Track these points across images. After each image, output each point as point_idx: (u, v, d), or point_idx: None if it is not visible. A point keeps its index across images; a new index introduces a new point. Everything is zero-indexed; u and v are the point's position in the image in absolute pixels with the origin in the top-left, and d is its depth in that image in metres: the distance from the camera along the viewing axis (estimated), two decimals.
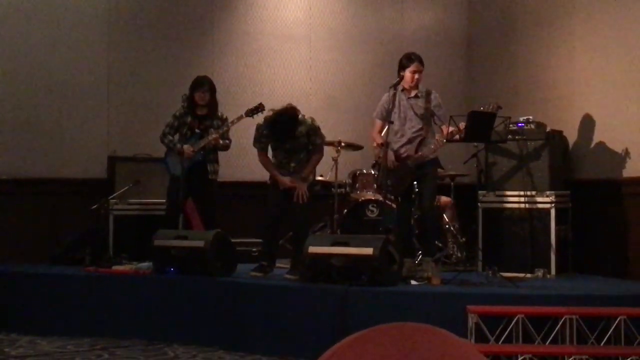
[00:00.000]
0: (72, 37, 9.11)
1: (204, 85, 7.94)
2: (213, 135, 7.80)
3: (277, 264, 7.54)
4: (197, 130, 7.95)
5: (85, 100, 9.14)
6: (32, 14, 8.98)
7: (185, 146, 7.87)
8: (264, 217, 7.60)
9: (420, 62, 7.32)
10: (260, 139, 7.49)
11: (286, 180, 7.40)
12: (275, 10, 9.86)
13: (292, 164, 7.49)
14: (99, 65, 9.21)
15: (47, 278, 7.56)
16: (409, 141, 7.33)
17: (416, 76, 7.30)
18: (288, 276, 7.13)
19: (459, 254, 8.28)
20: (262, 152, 7.57)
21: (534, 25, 8.83)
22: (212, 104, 7.99)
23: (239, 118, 7.90)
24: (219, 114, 8.05)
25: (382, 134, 7.39)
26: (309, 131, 7.43)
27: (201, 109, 7.99)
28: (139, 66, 9.35)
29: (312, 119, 7.48)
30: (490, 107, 7.17)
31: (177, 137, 8.02)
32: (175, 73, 9.27)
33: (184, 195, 7.89)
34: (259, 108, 7.88)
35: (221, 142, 7.91)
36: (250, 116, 7.90)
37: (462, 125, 7.03)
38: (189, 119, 7.99)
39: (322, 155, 7.64)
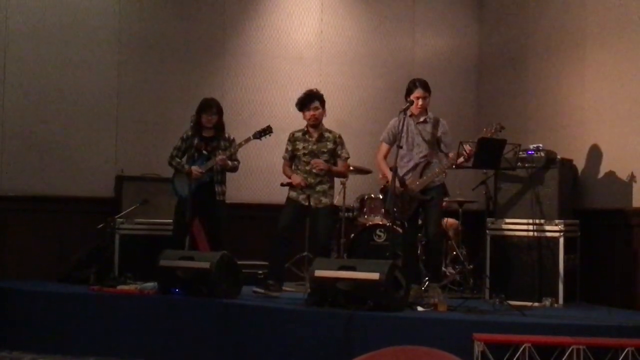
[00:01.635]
0: (83, 56, 9.18)
1: (211, 107, 7.97)
2: (220, 157, 7.82)
3: (284, 287, 7.54)
4: (204, 152, 7.96)
5: (94, 119, 9.19)
6: (43, 33, 9.07)
7: (193, 167, 7.88)
8: (274, 237, 7.63)
9: (425, 88, 7.34)
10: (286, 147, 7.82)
11: (297, 177, 7.61)
12: (287, 33, 9.91)
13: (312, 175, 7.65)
14: (109, 84, 9.27)
15: (53, 296, 7.55)
16: (416, 166, 7.34)
17: (420, 102, 7.31)
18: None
19: (466, 281, 8.25)
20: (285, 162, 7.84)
21: (545, 53, 8.84)
22: (219, 126, 8.02)
23: (247, 140, 7.92)
24: (226, 135, 8.08)
25: (387, 159, 7.43)
26: (336, 140, 7.72)
27: (208, 130, 8.01)
28: (148, 86, 9.40)
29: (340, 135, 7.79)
30: (493, 128, 7.17)
31: (185, 159, 8.04)
32: (185, 93, 9.31)
33: (191, 216, 7.89)
34: (267, 130, 7.92)
35: (230, 163, 7.93)
36: (258, 138, 7.94)
37: (468, 147, 7.02)
38: (195, 141, 8.01)
39: (346, 171, 7.90)
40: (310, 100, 7.68)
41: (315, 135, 7.71)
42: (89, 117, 9.16)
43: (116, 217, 8.45)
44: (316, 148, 7.68)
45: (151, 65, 9.44)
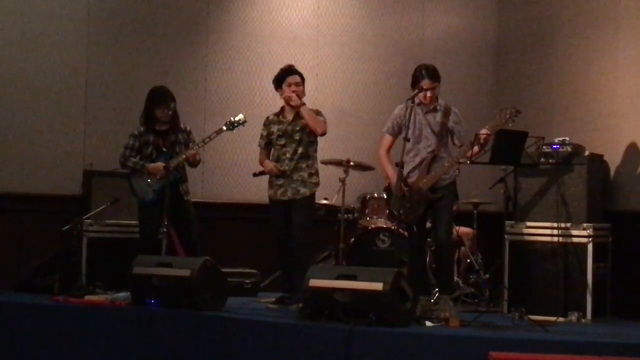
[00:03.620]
0: (46, 33, 9.16)
1: (166, 100, 7.96)
2: (191, 151, 7.82)
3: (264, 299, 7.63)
4: (164, 149, 7.96)
5: (60, 106, 9.18)
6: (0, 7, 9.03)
7: (156, 164, 7.89)
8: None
9: (433, 77, 7.30)
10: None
11: (269, 163, 7.67)
12: (279, 10, 9.91)
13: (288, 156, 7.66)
14: (76, 67, 9.25)
15: (10, 307, 7.53)
16: (422, 162, 7.33)
17: (428, 94, 7.29)
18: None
19: (482, 292, 8.27)
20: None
21: (572, 34, 8.85)
22: (174, 117, 8.02)
23: (219, 131, 7.92)
24: (182, 126, 8.08)
25: (390, 153, 7.46)
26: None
27: (161, 124, 8.01)
28: (121, 70, 9.39)
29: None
30: (507, 113, 7.15)
31: (138, 158, 8.03)
32: (163, 78, 9.27)
33: (157, 221, 7.91)
34: (240, 121, 7.93)
35: (197, 157, 7.95)
36: (230, 129, 7.95)
37: (483, 133, 7.01)
38: (151, 137, 8.02)
39: (323, 128, 7.74)
40: (288, 74, 7.68)
41: (291, 115, 7.70)
42: (53, 104, 9.16)
43: (84, 217, 8.44)
44: (291, 128, 7.66)
45: (124, 45, 9.42)
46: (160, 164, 7.87)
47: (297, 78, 7.69)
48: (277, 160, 7.69)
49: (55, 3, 9.22)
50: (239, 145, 9.38)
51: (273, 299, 7.70)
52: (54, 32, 9.18)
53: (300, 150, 7.65)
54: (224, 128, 7.95)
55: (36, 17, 9.14)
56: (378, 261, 8.07)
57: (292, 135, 7.64)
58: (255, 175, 7.95)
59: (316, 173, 7.74)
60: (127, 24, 9.44)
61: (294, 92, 7.61)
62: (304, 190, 7.63)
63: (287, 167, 7.62)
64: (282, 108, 7.79)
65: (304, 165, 7.66)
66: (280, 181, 7.64)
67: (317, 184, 7.75)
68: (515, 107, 7.21)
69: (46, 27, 9.16)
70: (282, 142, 7.67)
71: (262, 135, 7.83)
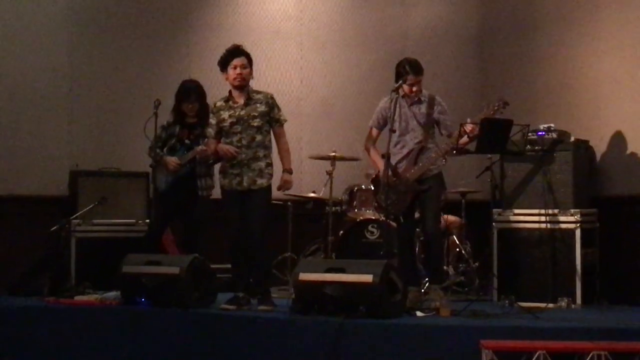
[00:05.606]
0: (28, 31, 9.11)
1: (189, 95, 7.92)
2: (200, 147, 7.71)
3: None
4: (186, 141, 7.94)
5: (44, 107, 9.14)
6: None
7: (170, 158, 7.87)
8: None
9: (417, 72, 7.28)
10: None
11: (224, 146, 7.37)
12: (261, 3, 9.90)
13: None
14: (60, 66, 9.22)
15: (1, 310, 7.51)
16: (409, 153, 7.34)
17: (414, 89, 7.30)
18: (261, 308, 7.12)
19: (471, 281, 8.29)
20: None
21: (555, 21, 8.85)
22: (203, 112, 7.93)
23: None
24: (211, 121, 8.04)
25: (377, 145, 7.46)
26: (269, 101, 7.44)
27: (190, 117, 7.99)
28: (105, 69, 9.36)
29: None
30: (495, 105, 7.17)
31: (166, 150, 8.00)
32: (146, 75, 9.29)
33: (167, 215, 7.89)
34: None
35: (210, 154, 7.83)
36: None
37: (468, 127, 7.03)
38: (177, 130, 8.00)
39: (285, 140, 7.54)
40: (233, 56, 7.40)
41: (242, 99, 7.39)
42: (37, 103, 9.11)
43: (71, 218, 8.43)
44: (245, 114, 7.33)
45: (107, 44, 9.39)
46: (173, 159, 7.85)
47: (243, 60, 7.37)
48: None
49: (36, 4, 9.17)
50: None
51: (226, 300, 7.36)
52: (36, 34, 9.14)
53: (258, 138, 7.32)
54: None
55: (18, 18, 9.09)
56: (367, 253, 8.07)
57: (249, 122, 7.31)
58: (209, 164, 7.76)
59: (271, 164, 7.39)
60: (109, 24, 9.41)
61: (239, 74, 7.31)
62: (260, 181, 7.28)
63: (244, 156, 7.30)
64: (230, 92, 7.49)
65: (261, 155, 7.32)
66: (237, 170, 7.31)
67: (272, 176, 7.37)
68: (503, 99, 7.21)
69: (28, 28, 9.11)
70: (237, 129, 7.32)
71: (210, 124, 7.47)
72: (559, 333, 6.13)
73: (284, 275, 8.60)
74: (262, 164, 7.32)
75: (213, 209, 8.76)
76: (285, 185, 7.41)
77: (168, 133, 8.01)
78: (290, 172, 7.40)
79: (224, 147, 7.32)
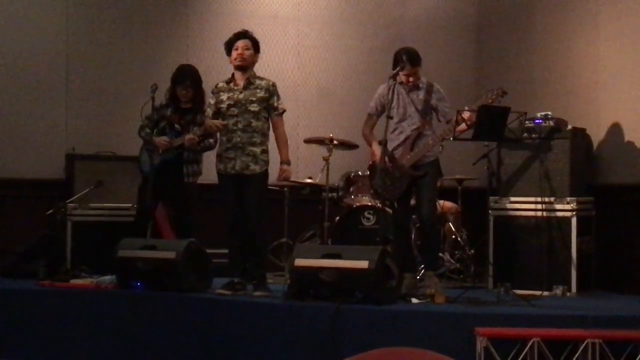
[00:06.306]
0: (25, 14, 9.09)
1: (184, 80, 7.89)
2: (189, 136, 7.66)
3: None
4: (176, 126, 7.91)
5: (40, 89, 9.14)
6: None
7: (160, 137, 7.84)
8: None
9: (414, 62, 7.24)
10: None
11: (209, 121, 7.40)
12: None
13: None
14: (56, 48, 9.21)
15: None
16: (406, 139, 7.33)
17: (410, 79, 7.28)
18: (257, 293, 7.12)
19: (467, 268, 8.30)
20: None
21: (553, 8, 8.84)
22: (197, 98, 7.93)
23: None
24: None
25: (374, 130, 7.44)
26: (270, 88, 7.43)
27: (184, 102, 7.96)
28: (102, 53, 9.35)
29: None
30: (494, 93, 7.16)
31: (155, 132, 7.95)
32: (144, 59, 9.28)
33: (153, 199, 7.85)
34: None
35: (200, 145, 7.81)
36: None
37: (466, 114, 7.02)
38: (169, 112, 7.97)
39: (284, 130, 7.52)
40: (238, 38, 7.42)
41: (242, 82, 7.39)
42: (33, 86, 9.11)
43: (67, 201, 8.43)
44: (243, 97, 7.31)
45: (104, 26, 9.37)
46: (164, 138, 7.83)
47: (246, 42, 7.39)
48: (227, 132, 7.30)
49: None
50: None
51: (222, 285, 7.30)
52: (33, 17, 9.12)
53: (254, 123, 7.28)
54: None
55: (14, 1, 9.06)
56: (363, 239, 8.06)
57: (247, 106, 7.28)
58: (199, 151, 7.79)
59: (267, 150, 7.34)
60: (107, 7, 9.39)
61: (239, 54, 7.31)
62: (253, 167, 7.25)
63: (238, 139, 7.27)
64: (233, 75, 7.45)
65: (257, 141, 7.28)
66: (232, 154, 7.26)
67: (267, 163, 7.32)
68: (501, 88, 7.19)
69: (25, 11, 9.09)
70: (234, 112, 7.30)
71: (209, 103, 7.48)
72: (554, 321, 6.16)
73: (279, 261, 8.60)
74: (257, 149, 7.28)
75: (207, 193, 8.76)
76: (283, 176, 7.40)
77: (159, 114, 7.97)
78: (288, 163, 7.37)
79: (210, 121, 7.34)
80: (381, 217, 8.04)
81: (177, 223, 8.11)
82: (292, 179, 8.47)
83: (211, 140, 7.81)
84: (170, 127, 7.93)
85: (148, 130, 7.92)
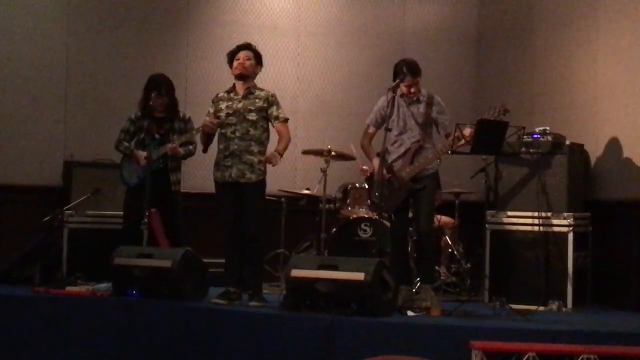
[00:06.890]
0: (25, 22, 9.10)
1: (159, 87, 7.91)
2: (171, 145, 7.72)
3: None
4: (156, 136, 7.91)
5: (40, 97, 9.13)
6: None
7: (140, 153, 7.85)
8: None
9: (414, 73, 7.27)
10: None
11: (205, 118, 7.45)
12: (259, 0, 9.87)
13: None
14: (56, 57, 9.20)
15: None
16: (406, 152, 7.34)
17: (412, 90, 7.30)
18: (253, 303, 7.12)
19: (463, 282, 8.29)
20: None
21: (552, 24, 8.86)
22: (171, 105, 7.98)
23: (197, 130, 7.65)
24: (181, 115, 8.03)
25: (372, 142, 7.44)
26: (269, 98, 7.45)
27: (159, 111, 7.97)
28: (101, 60, 9.35)
29: None
30: (496, 110, 7.18)
31: (133, 143, 7.99)
32: (144, 68, 9.24)
33: (142, 210, 7.83)
34: None
35: (182, 151, 7.84)
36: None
37: (466, 131, 7.04)
38: (146, 123, 7.98)
39: (288, 135, 7.49)
40: (240, 49, 7.46)
41: (242, 91, 7.41)
42: (33, 94, 9.10)
43: (64, 208, 8.41)
44: (242, 106, 7.34)
45: (104, 35, 9.37)
46: (142, 153, 7.83)
47: (248, 53, 7.43)
48: (225, 139, 7.33)
49: None
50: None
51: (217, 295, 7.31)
52: (32, 23, 9.13)
53: (252, 132, 7.30)
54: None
55: (15, 6, 9.08)
56: (360, 251, 8.06)
57: (245, 115, 7.30)
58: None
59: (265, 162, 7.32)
60: (107, 14, 9.40)
61: (240, 64, 7.35)
62: (249, 175, 7.24)
63: (235, 147, 7.28)
64: (234, 85, 7.49)
65: (255, 150, 7.29)
66: (229, 162, 7.27)
67: (264, 173, 7.34)
68: (503, 105, 7.23)
69: (25, 17, 9.10)
70: (232, 120, 7.31)
71: (208, 112, 7.49)
72: (549, 336, 6.16)
73: (276, 271, 8.60)
74: (254, 158, 7.28)
75: (204, 202, 8.77)
76: (269, 157, 7.21)
77: (137, 126, 8.00)
78: (280, 153, 7.27)
79: (205, 119, 7.38)
80: (378, 229, 8.06)
81: (167, 231, 8.10)
82: (290, 189, 8.51)
83: (191, 147, 7.92)
84: (150, 137, 7.92)
85: (126, 144, 7.96)
